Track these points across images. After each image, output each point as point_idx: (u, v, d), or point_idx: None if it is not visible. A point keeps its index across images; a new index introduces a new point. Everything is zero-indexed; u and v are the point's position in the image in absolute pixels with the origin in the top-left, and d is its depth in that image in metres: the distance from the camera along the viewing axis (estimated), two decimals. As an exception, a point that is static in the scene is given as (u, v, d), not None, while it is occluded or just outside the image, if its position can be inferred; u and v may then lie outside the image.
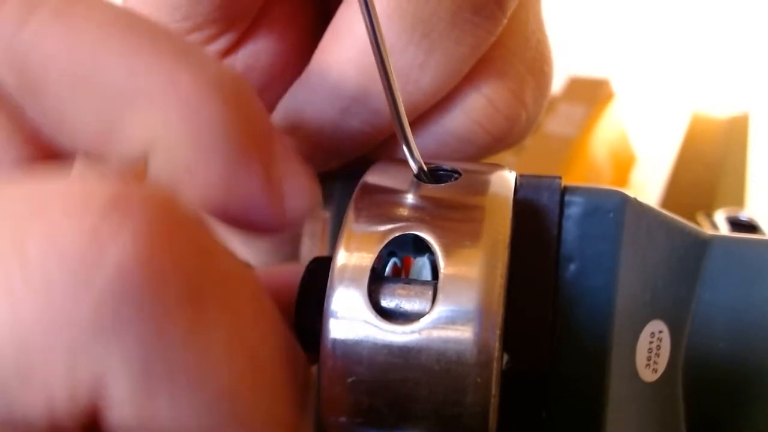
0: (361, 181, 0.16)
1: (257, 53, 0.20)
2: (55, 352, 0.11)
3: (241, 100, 0.14)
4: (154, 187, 0.12)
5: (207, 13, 0.18)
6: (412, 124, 0.16)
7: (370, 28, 0.14)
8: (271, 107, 0.20)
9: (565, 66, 0.62)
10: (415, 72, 0.17)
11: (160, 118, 0.13)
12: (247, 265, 0.15)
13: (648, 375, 0.17)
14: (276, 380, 0.13)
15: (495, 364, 0.13)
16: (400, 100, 0.15)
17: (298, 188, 0.15)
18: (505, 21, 0.18)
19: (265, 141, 0.15)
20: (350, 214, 0.15)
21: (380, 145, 0.20)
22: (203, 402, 0.12)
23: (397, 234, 0.14)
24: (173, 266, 0.12)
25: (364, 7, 0.14)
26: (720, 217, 0.31)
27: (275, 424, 0.13)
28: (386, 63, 0.14)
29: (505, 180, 0.16)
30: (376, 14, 0.14)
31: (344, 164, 0.21)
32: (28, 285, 0.11)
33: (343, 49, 0.18)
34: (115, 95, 0.13)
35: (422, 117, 0.19)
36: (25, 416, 0.11)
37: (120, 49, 0.13)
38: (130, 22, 0.14)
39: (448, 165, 0.16)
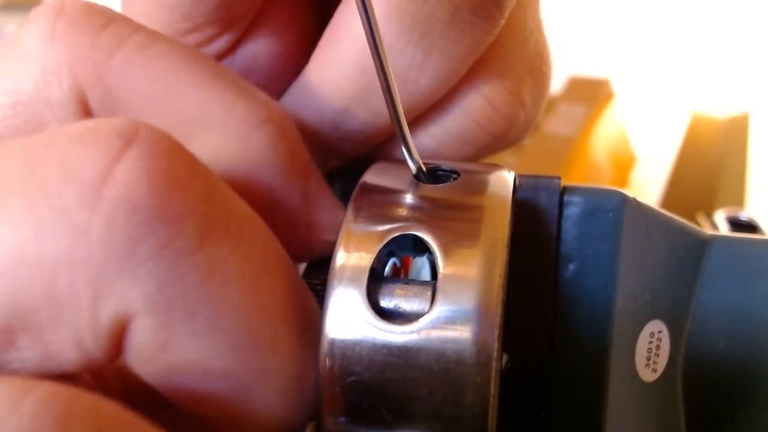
0: (360, 181, 0.16)
1: (256, 54, 0.20)
2: (79, 290, 0.12)
3: (286, 131, 0.17)
4: (159, 129, 0.13)
5: (206, 13, 0.18)
6: (410, 124, 0.16)
7: (368, 28, 0.14)
8: None
9: (565, 66, 0.62)
10: (414, 72, 0.18)
11: (219, 139, 0.16)
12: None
13: (647, 375, 0.17)
14: (289, 325, 0.14)
15: (494, 364, 0.13)
16: (399, 100, 0.15)
17: (328, 209, 0.17)
18: (503, 21, 0.18)
19: (305, 166, 0.17)
20: (349, 214, 0.15)
21: (379, 145, 0.20)
22: (222, 343, 0.13)
23: (396, 234, 0.14)
24: (180, 186, 0.12)
25: (361, 7, 0.14)
26: (720, 217, 0.31)
27: (289, 367, 0.14)
28: (384, 63, 0.14)
29: (503, 180, 0.16)
30: (374, 14, 0.14)
31: (344, 164, 0.21)
32: (50, 215, 0.12)
33: (342, 50, 0.18)
34: (182, 118, 0.16)
35: (421, 117, 0.19)
36: (60, 354, 0.12)
37: (189, 80, 0.16)
38: (199, 58, 0.16)
39: (446, 165, 0.16)
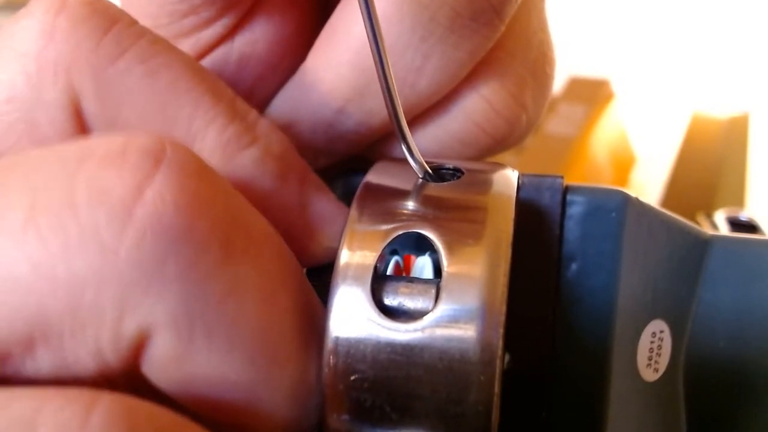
0: (364, 180, 0.16)
1: (254, 41, 0.20)
2: (105, 306, 0.12)
3: (273, 148, 0.17)
4: (185, 147, 0.14)
5: None
6: (411, 126, 0.16)
7: (370, 30, 0.14)
8: (266, 99, 0.20)
9: (565, 66, 0.62)
10: (412, 75, 0.18)
11: (210, 160, 0.16)
12: None
13: (649, 375, 0.17)
14: (301, 335, 0.14)
15: (498, 363, 0.13)
16: (399, 101, 0.15)
17: (328, 216, 0.17)
18: (503, 27, 0.18)
19: (299, 177, 0.17)
20: (353, 214, 0.15)
21: (375, 144, 0.20)
22: (238, 357, 0.13)
23: (400, 232, 0.14)
24: (206, 207, 0.13)
25: (364, 9, 0.14)
26: (720, 217, 0.31)
27: (300, 375, 0.14)
28: (386, 65, 0.14)
29: (507, 179, 0.16)
30: (377, 17, 0.14)
31: (342, 163, 0.21)
32: (80, 235, 0.12)
33: (340, 49, 0.18)
34: (175, 134, 0.16)
35: (422, 118, 0.19)
36: (77, 364, 0.13)
37: (185, 98, 0.16)
38: (197, 74, 0.16)
39: (450, 164, 0.17)
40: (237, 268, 0.13)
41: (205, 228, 0.13)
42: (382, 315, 0.14)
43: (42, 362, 0.12)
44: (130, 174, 0.12)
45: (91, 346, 0.12)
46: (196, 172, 0.13)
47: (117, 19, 0.15)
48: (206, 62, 0.19)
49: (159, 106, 0.16)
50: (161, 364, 0.13)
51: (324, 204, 0.17)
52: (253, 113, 0.17)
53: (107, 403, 0.11)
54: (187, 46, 0.19)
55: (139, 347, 0.13)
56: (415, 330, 0.13)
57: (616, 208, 0.17)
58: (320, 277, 0.16)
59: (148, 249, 0.12)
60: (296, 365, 0.14)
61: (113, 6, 0.16)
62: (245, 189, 0.16)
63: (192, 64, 0.16)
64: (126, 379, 0.13)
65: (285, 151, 0.17)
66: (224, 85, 0.17)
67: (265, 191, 0.16)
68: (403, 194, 0.15)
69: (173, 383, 0.13)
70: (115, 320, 0.12)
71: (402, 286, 0.14)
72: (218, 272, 0.13)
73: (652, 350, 0.17)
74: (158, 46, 0.16)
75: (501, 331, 0.13)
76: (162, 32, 0.18)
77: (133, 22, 0.16)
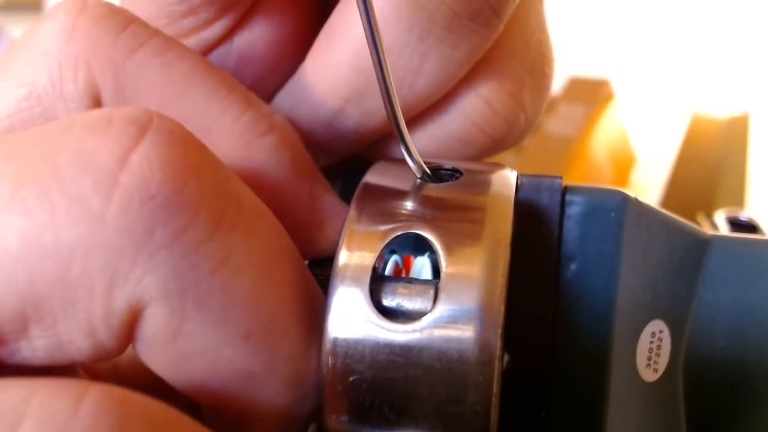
0: (363, 180, 0.16)
1: (253, 42, 0.20)
2: (94, 276, 0.12)
3: (289, 139, 0.17)
4: (172, 119, 0.13)
5: None
6: (409, 126, 0.16)
7: (368, 30, 0.14)
8: (266, 99, 0.20)
9: (565, 66, 0.62)
10: (410, 75, 0.18)
11: (226, 146, 0.16)
12: None
13: (648, 375, 0.17)
14: (298, 315, 0.14)
15: (496, 363, 0.13)
16: (398, 102, 0.15)
17: (335, 211, 0.18)
18: (502, 27, 0.18)
19: (309, 170, 0.18)
20: (351, 214, 0.15)
21: (373, 144, 0.20)
22: (232, 332, 0.13)
23: (399, 233, 0.14)
24: (194, 175, 0.13)
25: (363, 10, 0.14)
26: (720, 217, 0.31)
27: (297, 357, 0.14)
28: (384, 66, 0.14)
29: (506, 179, 0.16)
30: (375, 17, 0.14)
31: (341, 163, 0.21)
32: (66, 202, 0.12)
33: (339, 50, 0.18)
34: (191, 123, 0.15)
35: (420, 118, 0.19)
36: (71, 344, 0.13)
37: (201, 87, 0.16)
38: (211, 68, 0.17)
39: (449, 164, 0.17)
40: (228, 239, 0.13)
41: (193, 196, 0.12)
42: (380, 316, 0.14)
43: (37, 342, 0.12)
44: (114, 140, 0.12)
45: (84, 323, 0.12)
46: (183, 140, 0.13)
47: (132, 19, 0.16)
48: None
49: (176, 96, 0.16)
50: (154, 341, 0.13)
51: (330, 198, 0.18)
52: (267, 106, 0.17)
53: (97, 394, 0.11)
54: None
55: (132, 322, 0.13)
56: (414, 331, 0.13)
57: (615, 208, 0.17)
58: (323, 268, 0.16)
59: (135, 216, 0.12)
60: (292, 343, 0.14)
61: (127, 10, 0.17)
62: (260, 176, 0.16)
63: (203, 58, 0.17)
64: (109, 370, 0.13)
65: (298, 142, 0.18)
66: (236, 79, 0.17)
67: (279, 180, 0.17)
68: (401, 195, 0.15)
69: (167, 363, 0.13)
70: (105, 292, 0.12)
71: (400, 287, 0.14)
72: (209, 242, 0.13)
73: (652, 350, 0.17)
74: (172, 42, 0.16)
75: (499, 331, 0.13)
76: None
77: (146, 24, 0.16)
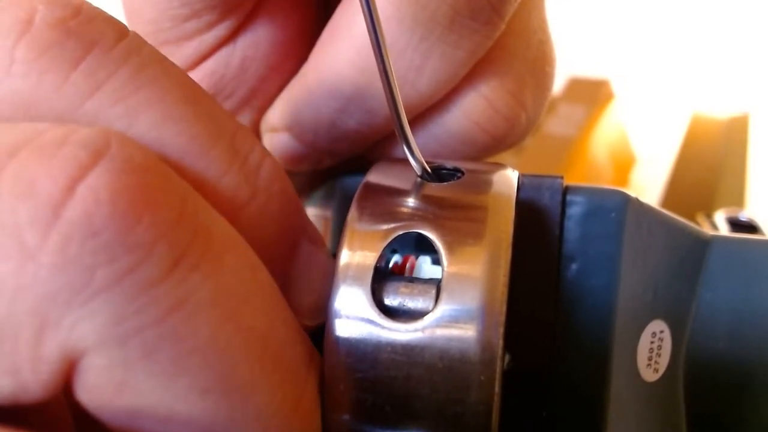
0: (364, 180, 0.16)
1: (256, 43, 0.20)
2: (20, 319, 0.11)
3: (281, 192, 0.15)
4: (135, 142, 0.12)
5: None
6: (411, 125, 0.16)
7: (371, 30, 0.14)
8: (269, 100, 0.20)
9: (565, 66, 0.62)
10: (412, 74, 0.18)
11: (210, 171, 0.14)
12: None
13: (649, 375, 0.17)
14: (270, 362, 0.13)
15: (498, 363, 0.13)
16: (401, 100, 0.15)
17: (310, 291, 0.16)
18: (503, 26, 0.18)
19: (296, 223, 0.15)
20: (353, 213, 0.15)
21: (376, 144, 0.20)
22: (186, 386, 0.11)
23: (400, 232, 0.14)
24: (152, 208, 0.11)
25: (365, 9, 0.14)
26: (720, 217, 0.31)
27: (270, 410, 0.13)
28: (387, 65, 0.14)
29: (507, 179, 0.16)
30: (378, 16, 0.14)
31: (342, 163, 0.21)
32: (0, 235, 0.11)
33: (341, 49, 0.18)
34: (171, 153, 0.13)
35: (422, 117, 0.19)
36: None
37: (178, 136, 0.13)
38: (195, 101, 0.14)
39: (450, 164, 0.17)
40: (187, 279, 0.11)
41: (146, 233, 0.11)
42: (382, 315, 0.14)
43: None
44: (59, 168, 0.11)
45: (7, 364, 0.11)
46: (140, 169, 0.11)
47: (95, 42, 0.13)
48: (209, 65, 0.19)
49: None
50: (96, 393, 0.11)
51: (311, 275, 0.16)
52: (255, 153, 0.14)
53: None
54: (190, 49, 0.19)
55: (67, 371, 0.11)
56: (416, 330, 0.13)
57: (616, 209, 0.17)
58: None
59: (74, 255, 0.10)
60: (264, 398, 0.12)
61: (96, 18, 0.13)
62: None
63: (187, 91, 0.14)
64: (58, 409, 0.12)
65: (286, 203, 0.15)
66: (226, 114, 0.14)
67: (260, 243, 0.14)
68: (403, 194, 0.15)
69: (115, 419, 0.12)
70: (33, 337, 0.11)
71: (402, 286, 0.14)
72: (161, 283, 0.11)
73: (652, 350, 0.17)
74: (146, 72, 0.13)
75: (501, 330, 0.13)
76: (164, 36, 0.19)
77: (117, 40, 0.13)
